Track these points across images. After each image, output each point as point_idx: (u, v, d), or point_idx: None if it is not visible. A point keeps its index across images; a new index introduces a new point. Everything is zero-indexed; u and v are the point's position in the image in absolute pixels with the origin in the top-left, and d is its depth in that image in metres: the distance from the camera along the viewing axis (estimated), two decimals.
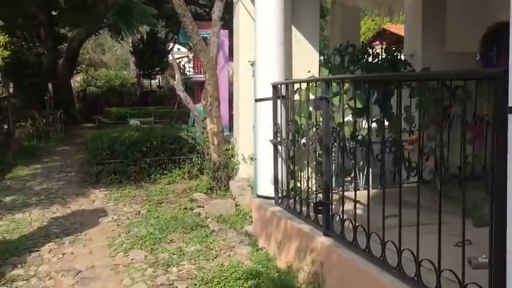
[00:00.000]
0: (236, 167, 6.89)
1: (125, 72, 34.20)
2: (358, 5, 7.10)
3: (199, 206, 6.53)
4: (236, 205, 6.61)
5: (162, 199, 6.68)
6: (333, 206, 3.64)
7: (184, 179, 8.08)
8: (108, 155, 7.91)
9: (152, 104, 21.16)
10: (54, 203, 6.61)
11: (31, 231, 5.26)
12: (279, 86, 4.62)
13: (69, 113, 17.96)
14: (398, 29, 25.58)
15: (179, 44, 23.09)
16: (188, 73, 24.11)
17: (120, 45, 50.47)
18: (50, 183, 7.93)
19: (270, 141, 4.69)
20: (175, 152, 8.32)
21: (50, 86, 16.99)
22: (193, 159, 8.26)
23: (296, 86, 4.61)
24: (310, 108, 4.52)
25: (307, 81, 4.16)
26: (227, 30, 11.09)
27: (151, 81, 25.64)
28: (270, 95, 4.70)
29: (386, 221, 2.78)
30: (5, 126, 10.43)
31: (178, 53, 29.88)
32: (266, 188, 4.83)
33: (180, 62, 33.03)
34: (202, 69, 12.33)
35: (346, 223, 3.34)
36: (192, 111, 7.57)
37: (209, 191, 6.96)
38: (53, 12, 20.48)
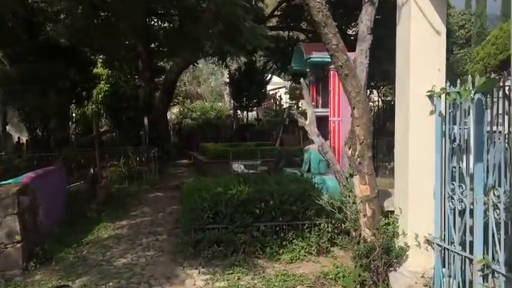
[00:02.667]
0: (403, 253, 4.49)
1: (220, 104, 33.29)
2: None
3: None
4: None
5: None
6: None
7: (311, 254, 5.87)
8: (210, 218, 5.91)
9: (250, 139, 19.35)
10: None
11: None
12: None
13: (164, 148, 16.72)
14: None
15: (284, 73, 21.26)
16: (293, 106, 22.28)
17: (214, 77, 50.96)
18: (136, 253, 6.06)
19: None
20: (297, 216, 6.11)
21: (145, 120, 15.88)
22: (322, 225, 6.03)
23: None
24: None
25: None
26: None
27: (248, 113, 23.98)
28: None
29: None
30: (91, 171, 8.99)
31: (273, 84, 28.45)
32: None
33: (276, 93, 31.42)
34: (319, 101, 10.21)
35: None
36: (332, 166, 5.30)
37: (359, 286, 4.63)
38: (152, 45, 19.87)
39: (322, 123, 9.59)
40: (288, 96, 32.04)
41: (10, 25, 15.65)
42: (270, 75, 24.20)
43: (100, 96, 20.47)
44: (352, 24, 19.22)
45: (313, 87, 9.93)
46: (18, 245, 5.37)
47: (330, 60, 8.81)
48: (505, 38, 19.71)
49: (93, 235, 6.86)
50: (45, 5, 15.21)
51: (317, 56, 8.57)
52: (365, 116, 4.68)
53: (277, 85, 31.49)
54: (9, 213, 5.38)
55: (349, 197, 4.84)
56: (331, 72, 8.77)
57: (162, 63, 23.82)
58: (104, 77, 20.90)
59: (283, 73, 22.34)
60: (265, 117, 23.87)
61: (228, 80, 25.52)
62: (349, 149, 4.80)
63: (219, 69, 48.48)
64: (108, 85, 19.98)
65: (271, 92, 29.84)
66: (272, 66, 23.59)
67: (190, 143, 20.13)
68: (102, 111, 21.13)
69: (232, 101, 29.04)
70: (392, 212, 4.86)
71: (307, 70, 8.92)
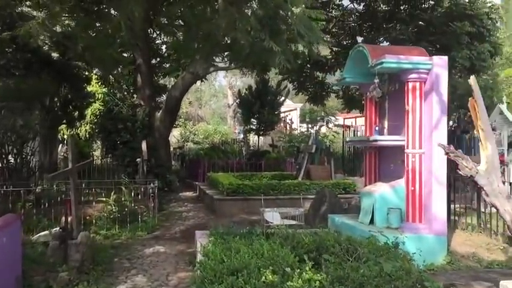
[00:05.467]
0: None
1: (225, 127, 30.82)
2: None
3: None
4: None
5: None
6: None
7: None
8: None
9: (266, 168, 16.63)
10: None
11: None
12: None
13: (165, 178, 14.08)
14: None
15: (302, 93, 18.68)
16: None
17: (216, 99, 48.88)
18: None
19: None
20: None
21: (144, 145, 13.22)
22: None
23: None
24: None
25: None
26: (446, 57, 6.33)
27: (260, 138, 21.34)
28: None
29: None
30: (62, 221, 6.31)
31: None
32: None
33: (287, 116, 28.86)
34: (385, 125, 7.54)
35: None
36: None
37: None
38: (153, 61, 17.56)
39: (391, 156, 7.00)
40: (299, 119, 29.56)
41: None
42: (283, 97, 21.68)
43: (93, 116, 18.03)
44: (381, 38, 17.01)
45: (373, 105, 7.33)
46: None
47: (409, 66, 6.27)
48: None
49: None
50: (29, 10, 12.87)
51: (392, 61, 5.96)
52: None
53: (287, 107, 29.10)
54: None
55: None
56: (410, 84, 6.17)
57: (163, 81, 21.49)
58: (100, 95, 18.48)
59: (300, 93, 19.75)
60: (279, 142, 21.27)
61: (231, 102, 23.10)
62: None
63: (221, 91, 46.43)
64: (101, 103, 17.52)
65: (281, 115, 27.53)
66: (286, 86, 21.14)
67: (195, 171, 17.45)
68: (94, 133, 18.72)
69: (237, 124, 26.48)
70: None
71: (376, 81, 6.31)
